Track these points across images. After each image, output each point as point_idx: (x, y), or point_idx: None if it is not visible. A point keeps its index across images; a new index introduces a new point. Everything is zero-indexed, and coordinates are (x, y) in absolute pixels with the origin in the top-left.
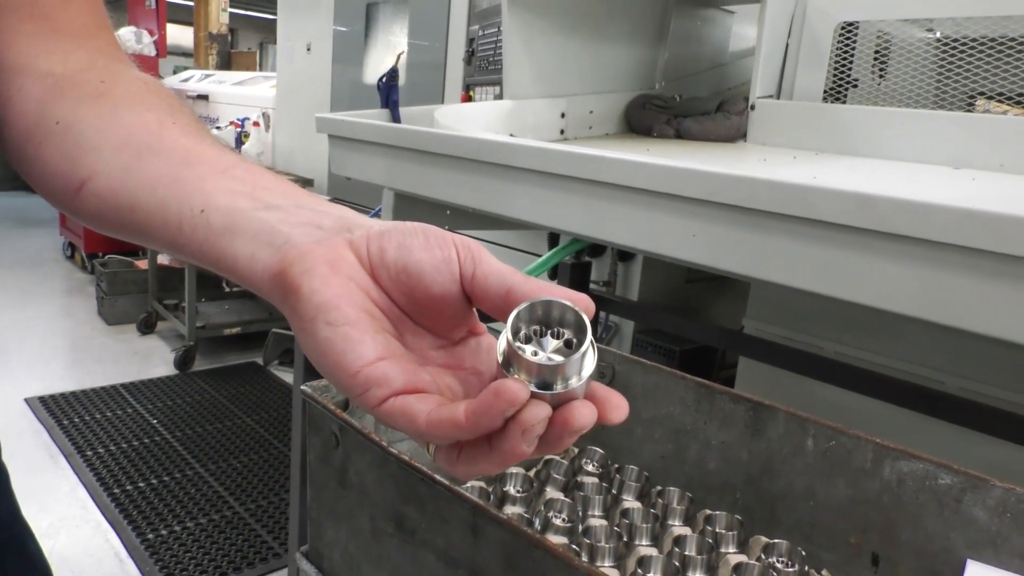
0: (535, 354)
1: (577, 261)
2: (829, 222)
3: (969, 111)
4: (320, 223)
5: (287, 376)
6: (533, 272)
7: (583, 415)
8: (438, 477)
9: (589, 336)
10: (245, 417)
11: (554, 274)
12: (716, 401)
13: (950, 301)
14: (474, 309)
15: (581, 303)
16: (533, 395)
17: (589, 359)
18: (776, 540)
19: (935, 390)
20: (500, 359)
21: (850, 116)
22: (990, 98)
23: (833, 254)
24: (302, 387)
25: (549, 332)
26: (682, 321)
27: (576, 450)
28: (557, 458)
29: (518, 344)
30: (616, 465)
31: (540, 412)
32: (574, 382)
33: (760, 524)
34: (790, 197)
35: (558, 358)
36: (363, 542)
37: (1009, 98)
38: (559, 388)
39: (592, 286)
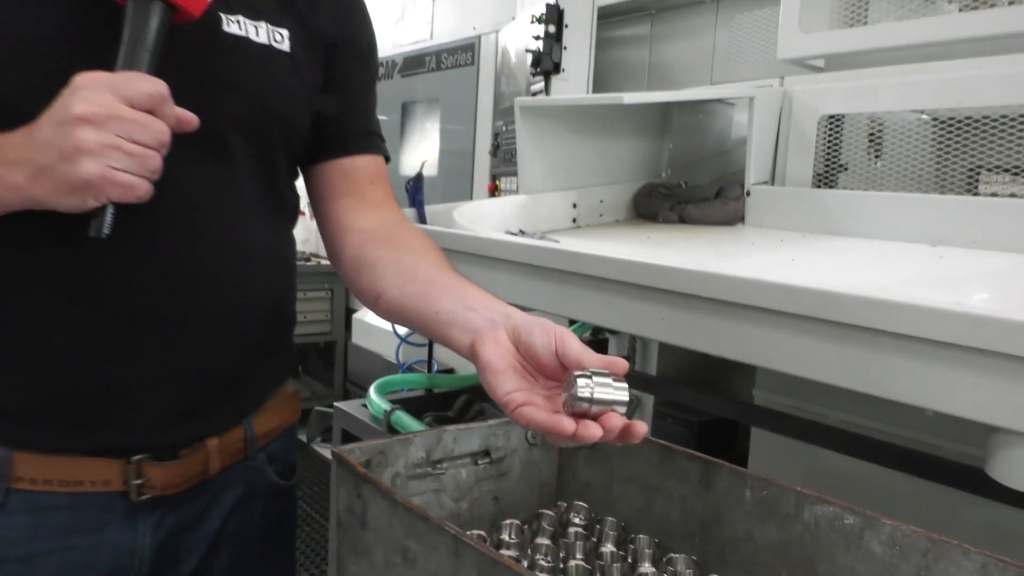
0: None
1: (595, 338)
2: (765, 308)
3: (973, 185)
4: (494, 319)
5: (329, 452)
6: None
7: (615, 422)
8: (431, 516)
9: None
10: None
11: None
12: (675, 460)
13: (877, 376)
14: None
15: (615, 366)
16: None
17: (620, 399)
18: None
19: (933, 455)
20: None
21: (833, 200)
22: (992, 171)
23: (771, 335)
24: (333, 449)
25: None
26: (696, 394)
27: (564, 505)
28: (548, 512)
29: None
30: (598, 517)
31: (595, 433)
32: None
33: (713, 564)
34: (731, 287)
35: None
36: (377, 572)
37: (1010, 170)
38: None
39: None
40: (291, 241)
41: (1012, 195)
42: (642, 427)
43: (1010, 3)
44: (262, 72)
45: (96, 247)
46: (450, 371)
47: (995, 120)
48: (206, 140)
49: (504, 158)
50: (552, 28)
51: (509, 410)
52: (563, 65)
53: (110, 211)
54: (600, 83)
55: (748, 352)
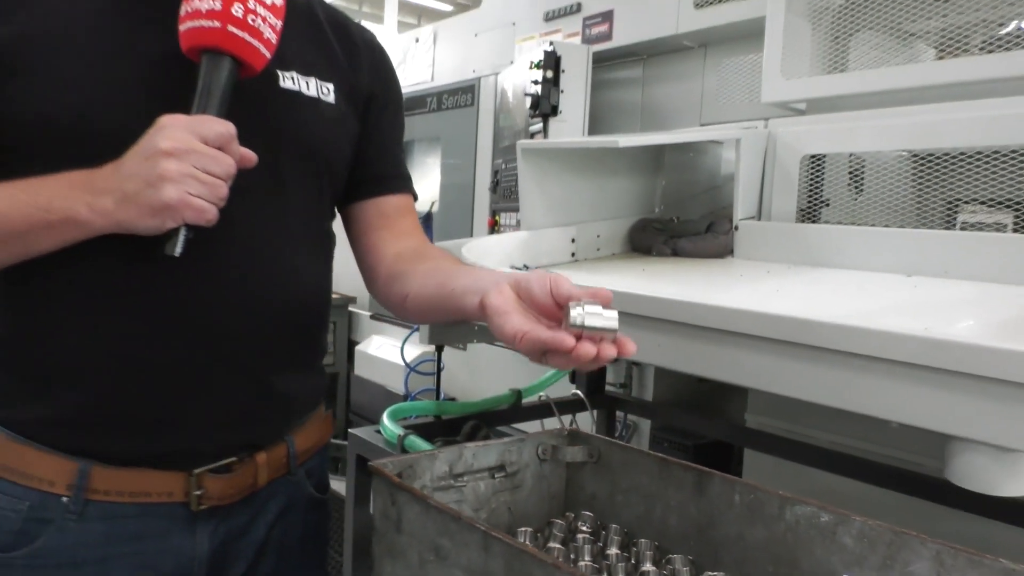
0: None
1: None
2: (752, 334)
3: (951, 216)
4: (498, 280)
5: (339, 485)
6: (556, 376)
7: (608, 352)
8: (463, 515)
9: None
10: None
11: (573, 377)
12: (672, 471)
13: (849, 393)
14: None
15: (600, 295)
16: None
17: (610, 325)
18: (718, 573)
19: (918, 473)
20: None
21: (816, 234)
22: (970, 203)
23: (757, 358)
24: (369, 464)
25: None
26: (690, 417)
27: (572, 515)
28: (558, 521)
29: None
30: (603, 525)
31: (590, 351)
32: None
33: (708, 563)
34: (721, 316)
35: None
36: (412, 571)
37: (987, 202)
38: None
39: (609, 388)
40: (329, 272)
41: (992, 223)
42: (631, 344)
43: (980, 50)
44: (311, 121)
45: (163, 273)
46: (452, 399)
47: (971, 156)
48: (263, 178)
49: (503, 194)
50: (550, 73)
51: (517, 341)
52: (560, 107)
53: (183, 233)
54: (596, 123)
55: (737, 374)
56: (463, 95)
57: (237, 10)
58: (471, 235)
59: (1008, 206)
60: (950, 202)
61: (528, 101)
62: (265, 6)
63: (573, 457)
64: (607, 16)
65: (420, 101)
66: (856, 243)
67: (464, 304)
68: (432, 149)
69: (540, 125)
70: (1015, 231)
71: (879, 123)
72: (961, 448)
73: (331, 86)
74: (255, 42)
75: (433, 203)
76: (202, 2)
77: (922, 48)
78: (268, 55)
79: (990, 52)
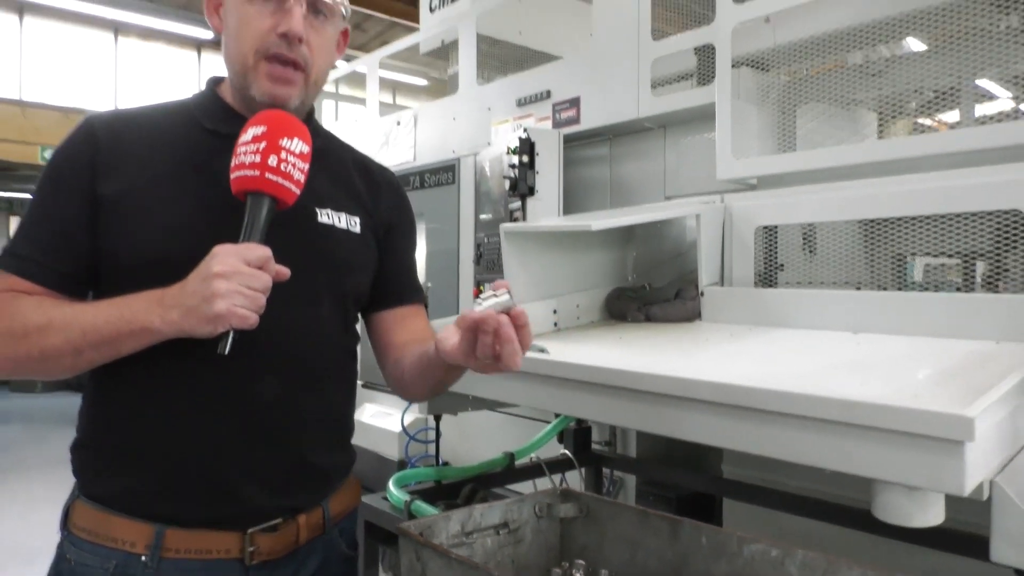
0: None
1: (579, 427)
2: (709, 401)
3: (901, 269)
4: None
5: None
6: (545, 438)
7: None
8: (480, 565)
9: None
10: None
11: (562, 438)
12: (650, 521)
13: (789, 447)
14: None
15: (497, 284)
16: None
17: (502, 302)
18: None
19: (860, 508)
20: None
21: (773, 297)
22: (919, 256)
23: (709, 419)
24: (398, 526)
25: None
26: (672, 471)
27: (567, 564)
28: (555, 569)
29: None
30: (594, 571)
31: (492, 318)
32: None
33: None
34: (683, 386)
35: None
36: None
37: (938, 255)
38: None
39: (595, 446)
40: (355, 365)
41: (940, 266)
42: (520, 308)
43: (916, 112)
44: (342, 249)
45: (221, 371)
46: (446, 463)
47: (915, 218)
48: (302, 293)
49: (487, 266)
50: (526, 158)
51: (457, 354)
52: (536, 187)
53: (231, 336)
54: (569, 199)
55: (701, 434)
56: (444, 174)
57: (272, 161)
58: (457, 306)
59: (954, 256)
60: (897, 256)
61: (507, 183)
62: (294, 155)
63: (566, 513)
64: (574, 102)
65: (403, 180)
66: (808, 304)
67: (432, 354)
68: (418, 224)
69: (519, 204)
70: (964, 276)
71: (823, 196)
72: (881, 488)
73: (358, 219)
74: (287, 183)
75: (429, 285)
76: (246, 156)
77: (863, 113)
78: (297, 192)
79: (921, 131)
